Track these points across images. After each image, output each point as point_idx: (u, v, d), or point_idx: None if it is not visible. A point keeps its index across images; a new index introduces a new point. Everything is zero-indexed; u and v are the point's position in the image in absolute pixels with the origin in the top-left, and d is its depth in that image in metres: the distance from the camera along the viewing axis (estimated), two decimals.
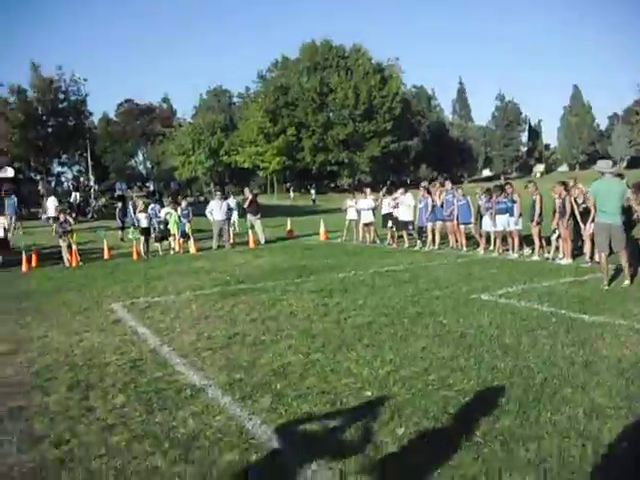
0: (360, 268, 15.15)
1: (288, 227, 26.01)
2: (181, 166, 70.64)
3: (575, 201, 14.38)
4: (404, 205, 19.37)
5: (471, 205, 17.69)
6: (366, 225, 21.72)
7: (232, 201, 24.37)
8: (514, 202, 16.05)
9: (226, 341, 8.53)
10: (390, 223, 20.78)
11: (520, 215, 16.08)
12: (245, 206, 23.09)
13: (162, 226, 21.84)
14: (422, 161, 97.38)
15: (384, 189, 23.48)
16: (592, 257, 14.05)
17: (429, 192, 18.88)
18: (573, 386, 6.02)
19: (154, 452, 5.03)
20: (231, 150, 71.30)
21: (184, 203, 22.97)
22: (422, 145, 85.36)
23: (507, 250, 16.67)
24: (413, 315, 9.61)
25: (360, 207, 21.59)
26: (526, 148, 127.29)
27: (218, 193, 23.98)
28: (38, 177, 45.54)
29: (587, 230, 13.62)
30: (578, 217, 14.23)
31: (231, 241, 22.66)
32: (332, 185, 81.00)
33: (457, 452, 4.73)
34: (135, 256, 20.57)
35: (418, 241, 19.28)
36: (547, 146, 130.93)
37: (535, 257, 15.51)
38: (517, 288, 11.52)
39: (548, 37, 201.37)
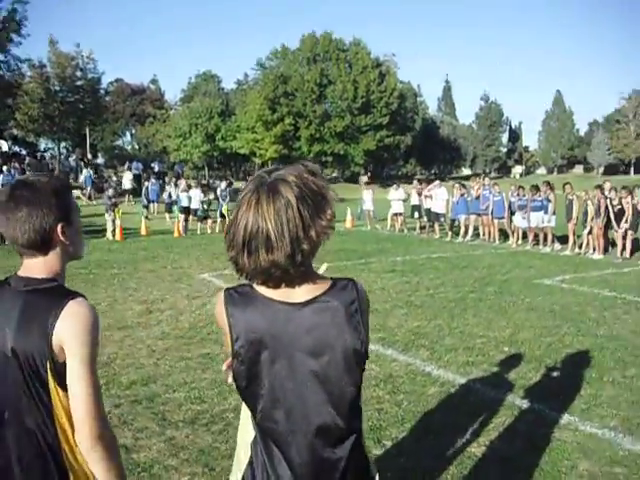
0: (410, 253, 16.38)
1: None
2: (176, 149, 71.04)
3: (610, 202, 15.77)
4: (438, 198, 20.62)
5: (505, 201, 18.92)
6: (395, 215, 22.99)
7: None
8: (549, 201, 17.39)
9: None
10: (417, 214, 22.15)
11: (554, 213, 17.42)
12: None
13: (205, 206, 22.77)
14: (411, 156, 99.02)
15: (416, 182, 24.58)
16: (622, 253, 15.55)
17: (464, 187, 20.21)
18: None
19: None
20: (228, 135, 72.06)
21: (223, 184, 23.84)
22: (412, 140, 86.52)
23: (537, 244, 17.96)
24: (494, 293, 10.92)
25: (391, 198, 22.84)
26: (506, 149, 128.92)
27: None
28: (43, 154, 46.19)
29: (620, 229, 15.27)
30: (612, 217, 15.68)
31: None
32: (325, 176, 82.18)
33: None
34: (177, 233, 21.52)
35: (449, 232, 20.53)
36: (526, 148, 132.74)
37: (567, 252, 16.84)
38: (570, 276, 12.85)
39: (534, 40, 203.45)
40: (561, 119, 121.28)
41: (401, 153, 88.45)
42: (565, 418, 5.35)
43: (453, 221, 20.75)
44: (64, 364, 1.96)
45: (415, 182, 24.51)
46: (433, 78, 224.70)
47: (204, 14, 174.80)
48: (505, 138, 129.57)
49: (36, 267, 2.09)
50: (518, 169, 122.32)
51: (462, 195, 19.90)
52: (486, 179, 20.53)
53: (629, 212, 15.13)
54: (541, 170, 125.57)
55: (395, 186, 23.53)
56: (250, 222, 1.78)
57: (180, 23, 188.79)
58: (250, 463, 1.98)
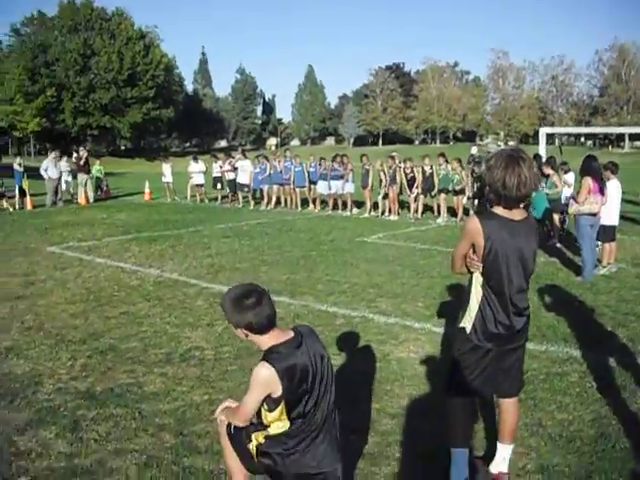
0: (230, 221, 17.65)
1: (104, 187, 27.23)
2: None
3: (404, 171, 18.23)
4: (243, 169, 22.01)
5: (305, 171, 20.75)
6: (197, 186, 24.12)
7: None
8: (348, 170, 19.50)
9: (214, 268, 10.90)
10: (219, 185, 23.47)
11: (352, 181, 19.62)
12: (81, 164, 23.91)
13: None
14: (175, 129, 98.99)
15: (222, 154, 25.64)
16: (414, 214, 18.14)
17: (267, 158, 21.81)
18: None
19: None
20: None
21: (18, 159, 23.28)
22: (175, 113, 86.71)
23: (336, 209, 20.06)
24: (332, 250, 12.68)
25: (191, 170, 23.94)
26: (261, 121, 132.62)
27: (54, 152, 24.37)
28: None
29: (412, 193, 17.83)
30: (405, 184, 18.18)
31: (64, 198, 23.56)
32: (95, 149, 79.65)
33: None
34: None
35: (252, 201, 22.08)
36: (280, 121, 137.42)
37: (365, 214, 19.15)
38: (383, 234, 15.01)
39: (287, 16, 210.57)
40: (313, 93, 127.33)
41: (165, 126, 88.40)
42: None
43: (255, 191, 22.33)
44: None
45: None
46: (188, 50, 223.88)
47: None
48: (260, 111, 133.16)
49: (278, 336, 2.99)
50: (273, 141, 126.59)
51: (265, 166, 21.41)
52: (288, 152, 22.25)
53: (419, 178, 17.71)
54: (295, 142, 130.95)
55: (194, 159, 24.59)
56: (517, 174, 3.39)
57: None
58: (479, 313, 3.64)
